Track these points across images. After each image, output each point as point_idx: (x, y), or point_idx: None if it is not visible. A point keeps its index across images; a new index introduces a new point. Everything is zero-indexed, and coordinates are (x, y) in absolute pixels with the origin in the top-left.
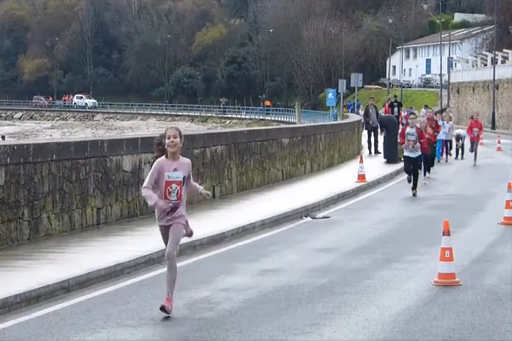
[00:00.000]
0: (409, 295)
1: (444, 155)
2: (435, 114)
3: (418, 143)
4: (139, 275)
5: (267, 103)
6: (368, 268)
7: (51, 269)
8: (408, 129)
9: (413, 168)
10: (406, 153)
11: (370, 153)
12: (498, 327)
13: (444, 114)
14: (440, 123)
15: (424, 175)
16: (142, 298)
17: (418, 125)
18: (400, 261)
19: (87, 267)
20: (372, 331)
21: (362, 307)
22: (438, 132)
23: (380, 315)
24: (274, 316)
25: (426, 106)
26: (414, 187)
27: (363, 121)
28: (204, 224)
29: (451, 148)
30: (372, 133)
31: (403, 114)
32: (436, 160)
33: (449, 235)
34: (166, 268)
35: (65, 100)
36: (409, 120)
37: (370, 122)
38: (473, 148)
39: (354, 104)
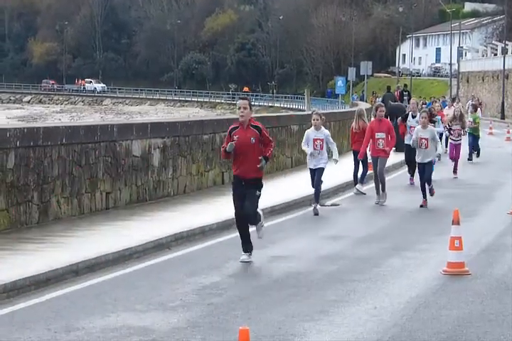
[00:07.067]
0: (419, 284)
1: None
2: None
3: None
4: (148, 260)
5: (246, 89)
6: (377, 257)
7: (60, 253)
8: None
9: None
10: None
11: None
12: (507, 317)
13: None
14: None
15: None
16: (151, 282)
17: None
18: (409, 249)
19: (96, 251)
20: (381, 318)
21: (371, 295)
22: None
23: (389, 303)
24: (283, 303)
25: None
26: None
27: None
28: (213, 209)
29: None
30: None
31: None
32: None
33: (458, 224)
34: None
35: (81, 84)
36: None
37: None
38: (376, 174)
39: (363, 91)
